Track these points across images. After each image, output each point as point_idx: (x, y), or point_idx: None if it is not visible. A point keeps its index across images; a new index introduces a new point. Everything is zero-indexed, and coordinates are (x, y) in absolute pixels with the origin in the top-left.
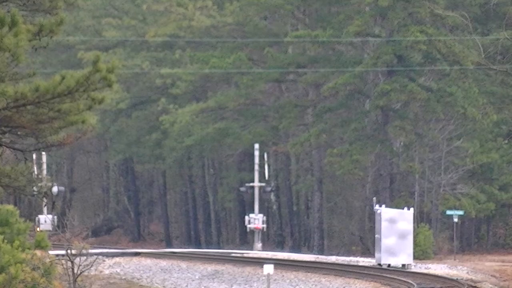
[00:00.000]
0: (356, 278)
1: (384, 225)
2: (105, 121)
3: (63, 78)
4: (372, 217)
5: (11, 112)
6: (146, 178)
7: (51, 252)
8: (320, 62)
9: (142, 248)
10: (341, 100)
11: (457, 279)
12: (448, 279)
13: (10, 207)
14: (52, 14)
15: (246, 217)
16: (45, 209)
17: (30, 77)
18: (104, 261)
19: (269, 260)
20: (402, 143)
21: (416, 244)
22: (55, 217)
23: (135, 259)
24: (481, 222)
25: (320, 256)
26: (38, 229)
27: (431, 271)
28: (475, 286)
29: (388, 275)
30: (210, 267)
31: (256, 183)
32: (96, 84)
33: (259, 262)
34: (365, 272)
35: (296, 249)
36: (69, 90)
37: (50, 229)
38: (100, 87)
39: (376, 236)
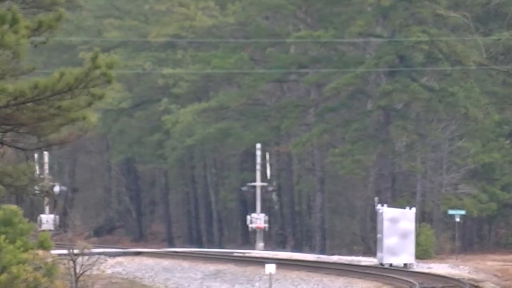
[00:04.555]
0: (358, 278)
1: (386, 224)
2: (107, 121)
3: (62, 74)
4: (374, 216)
5: (11, 110)
6: (148, 178)
7: (53, 252)
8: (322, 62)
9: (144, 248)
10: (343, 100)
11: (458, 278)
12: (450, 278)
13: (14, 207)
14: (52, 11)
15: (248, 217)
16: (47, 209)
17: (30, 72)
18: (106, 260)
19: (271, 259)
20: (404, 143)
21: (418, 244)
22: (57, 216)
23: (137, 259)
24: (483, 222)
25: (322, 256)
26: (39, 228)
27: (433, 271)
28: (477, 286)
29: (390, 275)
30: (212, 267)
31: (258, 183)
32: (96, 80)
33: (261, 261)
34: (367, 271)
35: (298, 248)
36: (68, 86)
37: (52, 228)
38: (100, 83)
39: (378, 235)
